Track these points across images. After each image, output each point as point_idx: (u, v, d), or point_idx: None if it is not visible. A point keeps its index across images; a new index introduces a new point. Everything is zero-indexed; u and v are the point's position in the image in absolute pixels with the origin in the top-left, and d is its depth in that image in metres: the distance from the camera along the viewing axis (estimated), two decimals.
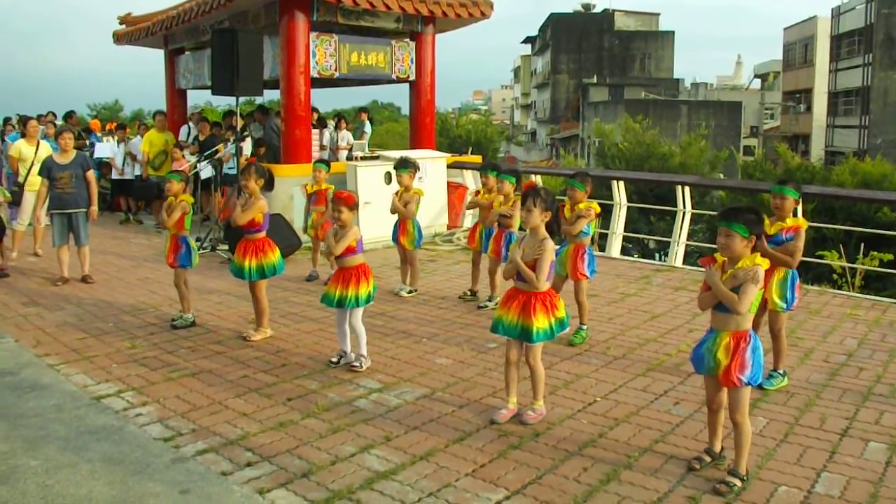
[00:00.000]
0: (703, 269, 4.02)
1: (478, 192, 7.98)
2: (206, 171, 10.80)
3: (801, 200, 5.28)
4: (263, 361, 5.81)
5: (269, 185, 6.71)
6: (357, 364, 5.62)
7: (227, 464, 4.06)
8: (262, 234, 6.47)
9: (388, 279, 8.49)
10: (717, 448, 4.11)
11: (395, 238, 8.07)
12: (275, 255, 6.48)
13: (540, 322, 4.54)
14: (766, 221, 5.20)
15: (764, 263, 3.82)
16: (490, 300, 7.46)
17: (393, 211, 7.96)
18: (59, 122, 15.01)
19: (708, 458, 4.07)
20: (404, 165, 7.90)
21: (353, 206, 5.65)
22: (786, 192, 5.19)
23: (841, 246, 11.30)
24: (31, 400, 4.97)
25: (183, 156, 11.83)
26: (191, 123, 14.04)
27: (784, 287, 5.22)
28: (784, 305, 5.24)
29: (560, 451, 4.24)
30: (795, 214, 5.42)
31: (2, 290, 8.11)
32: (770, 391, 5.16)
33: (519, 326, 4.59)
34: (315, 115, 15.79)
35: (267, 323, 6.52)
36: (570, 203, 6.41)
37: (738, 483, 3.81)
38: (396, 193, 7.98)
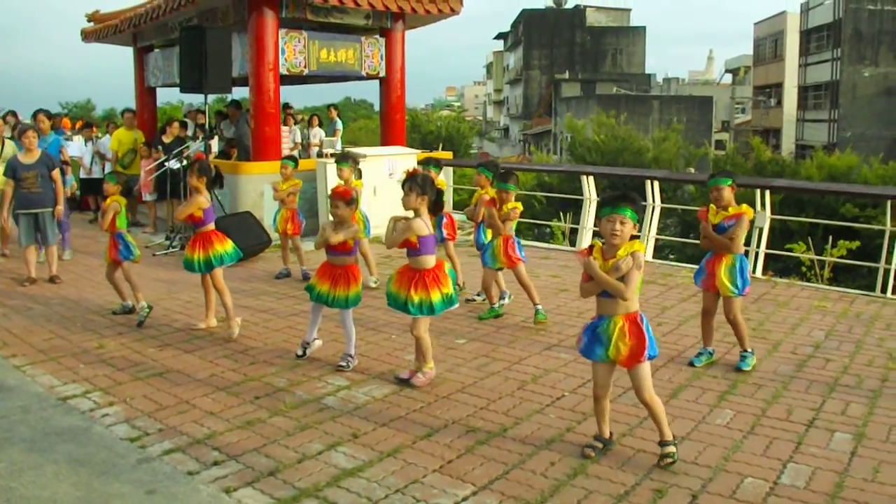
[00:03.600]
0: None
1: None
2: (174, 164, 10.68)
3: (735, 187, 5.54)
4: (231, 360, 5.77)
5: (217, 181, 6.74)
6: (343, 364, 5.54)
7: (194, 463, 4.03)
8: (209, 226, 6.49)
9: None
10: (607, 433, 4.21)
11: None
12: (223, 246, 6.47)
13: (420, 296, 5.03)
14: (712, 210, 5.53)
15: (640, 248, 3.92)
16: (479, 295, 7.40)
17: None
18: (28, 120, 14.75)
19: (600, 445, 4.15)
20: (344, 159, 7.85)
21: (351, 201, 5.54)
22: (720, 182, 5.46)
23: (809, 238, 11.42)
24: None
25: (151, 153, 11.69)
26: (187, 120, 14.00)
27: (733, 273, 5.44)
28: (735, 291, 5.45)
29: (528, 446, 4.25)
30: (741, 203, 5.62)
31: None
32: (738, 384, 5.21)
33: (402, 299, 5.08)
34: (289, 112, 15.72)
35: (233, 314, 6.45)
36: (499, 202, 6.72)
37: (673, 448, 4.01)
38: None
